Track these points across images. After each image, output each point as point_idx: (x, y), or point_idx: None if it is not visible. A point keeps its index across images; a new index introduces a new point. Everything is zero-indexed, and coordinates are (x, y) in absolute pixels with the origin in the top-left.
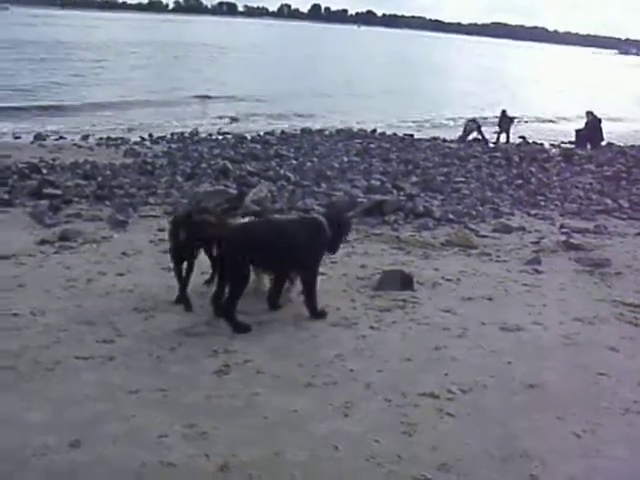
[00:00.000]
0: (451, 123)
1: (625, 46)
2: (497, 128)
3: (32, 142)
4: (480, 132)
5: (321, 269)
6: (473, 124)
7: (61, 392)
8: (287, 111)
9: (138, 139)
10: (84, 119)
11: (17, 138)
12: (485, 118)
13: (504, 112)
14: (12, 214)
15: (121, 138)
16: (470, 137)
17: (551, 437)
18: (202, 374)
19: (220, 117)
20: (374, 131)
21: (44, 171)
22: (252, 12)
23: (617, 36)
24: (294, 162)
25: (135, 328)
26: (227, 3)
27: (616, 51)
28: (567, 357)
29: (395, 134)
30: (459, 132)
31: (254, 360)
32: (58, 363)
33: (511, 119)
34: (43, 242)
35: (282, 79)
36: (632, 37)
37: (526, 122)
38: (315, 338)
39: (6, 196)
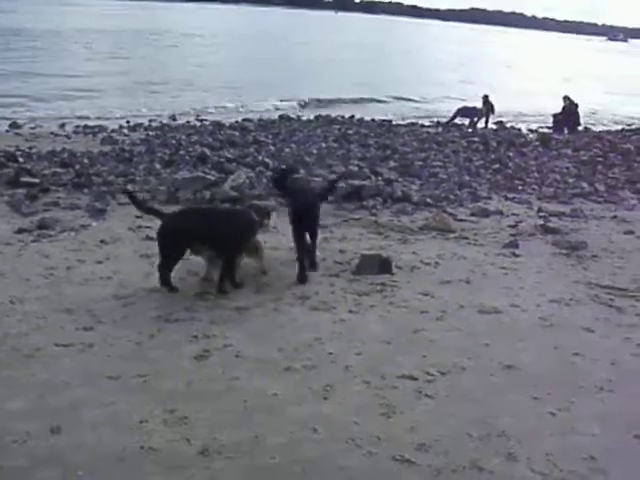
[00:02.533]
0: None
1: (613, 32)
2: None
3: (7, 130)
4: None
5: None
6: (472, 110)
7: (41, 379)
8: (264, 97)
9: (116, 127)
10: (60, 107)
11: None
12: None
13: (486, 97)
14: None
15: (98, 126)
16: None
17: (528, 416)
18: (182, 359)
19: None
20: (352, 117)
21: (21, 159)
22: None
23: (599, 22)
24: (272, 148)
25: (114, 315)
26: None
27: (605, 37)
28: (543, 338)
29: (373, 120)
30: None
31: (234, 345)
32: (38, 350)
33: (492, 105)
34: (21, 231)
35: (260, 66)
36: (609, 24)
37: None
38: (294, 322)
39: None
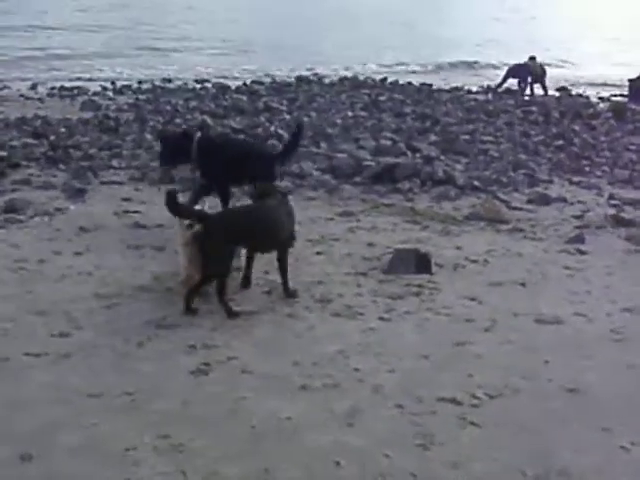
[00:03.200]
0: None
1: None
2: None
3: None
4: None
5: (320, 247)
6: (525, 69)
7: (9, 395)
8: (279, 58)
9: (98, 88)
10: (31, 68)
11: None
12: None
13: (533, 58)
14: None
15: (77, 87)
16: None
17: (594, 451)
18: (177, 374)
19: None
20: (384, 80)
21: None
22: None
23: None
24: (287, 117)
25: (96, 319)
26: None
27: None
28: (614, 355)
29: (410, 83)
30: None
31: (239, 357)
32: (5, 361)
33: (542, 67)
34: None
35: (268, 27)
36: None
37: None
38: (313, 330)
39: None
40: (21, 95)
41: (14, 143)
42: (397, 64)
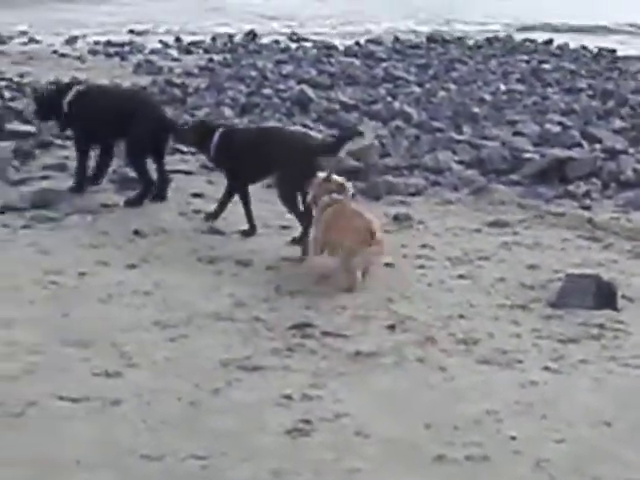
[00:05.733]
0: None
1: None
2: None
3: None
4: None
5: (463, 268)
6: None
7: (38, 453)
8: (402, 8)
9: (157, 45)
10: (66, 15)
11: None
12: None
13: None
14: None
15: (129, 43)
16: None
17: None
18: (266, 434)
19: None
20: (549, 42)
21: (6, 94)
22: None
23: None
24: (417, 90)
25: (155, 355)
26: None
27: None
28: None
29: (585, 47)
30: None
31: (351, 414)
32: (32, 406)
33: None
34: (5, 209)
35: None
36: None
37: None
38: (453, 382)
39: None
40: (54, 52)
41: None
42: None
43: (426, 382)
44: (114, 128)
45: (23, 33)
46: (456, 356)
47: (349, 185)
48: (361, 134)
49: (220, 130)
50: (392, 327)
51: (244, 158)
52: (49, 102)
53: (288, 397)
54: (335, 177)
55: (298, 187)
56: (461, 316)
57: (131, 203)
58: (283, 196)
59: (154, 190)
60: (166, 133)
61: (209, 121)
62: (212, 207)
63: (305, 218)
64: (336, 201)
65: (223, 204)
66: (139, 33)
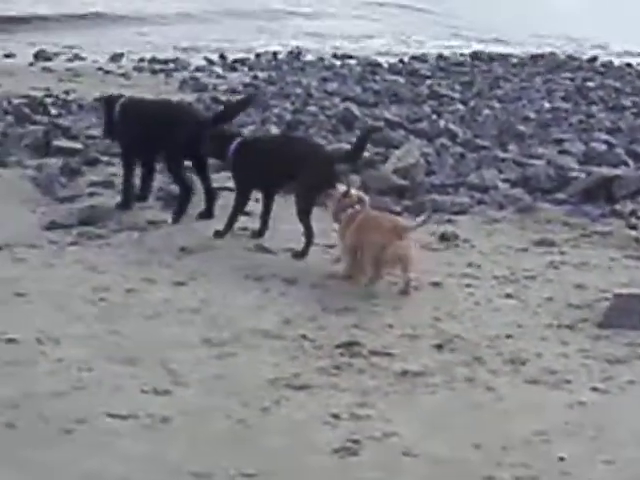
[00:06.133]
0: None
1: None
2: None
3: (32, 63)
4: None
5: (510, 288)
6: None
7: (87, 470)
8: (449, 27)
9: (202, 62)
10: (109, 35)
11: (9, 57)
12: None
13: None
14: (5, 179)
15: (174, 60)
16: None
17: None
18: (313, 453)
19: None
20: (593, 60)
21: (53, 111)
22: None
23: None
24: (461, 108)
25: (203, 372)
26: None
27: None
28: None
29: (629, 65)
30: None
31: (400, 433)
32: (81, 423)
33: None
34: (53, 226)
35: None
36: None
37: None
38: (501, 402)
39: None
40: (99, 68)
41: (91, 132)
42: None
43: (474, 402)
44: (156, 140)
45: (69, 48)
46: (504, 376)
47: (367, 198)
48: (378, 130)
49: (239, 139)
50: (440, 346)
51: (263, 166)
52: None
53: (336, 416)
54: (354, 191)
55: (316, 197)
56: (509, 336)
57: (177, 216)
58: (301, 206)
59: (191, 196)
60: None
61: (227, 130)
62: (258, 224)
63: (312, 234)
64: (358, 213)
65: (264, 220)
66: (184, 50)
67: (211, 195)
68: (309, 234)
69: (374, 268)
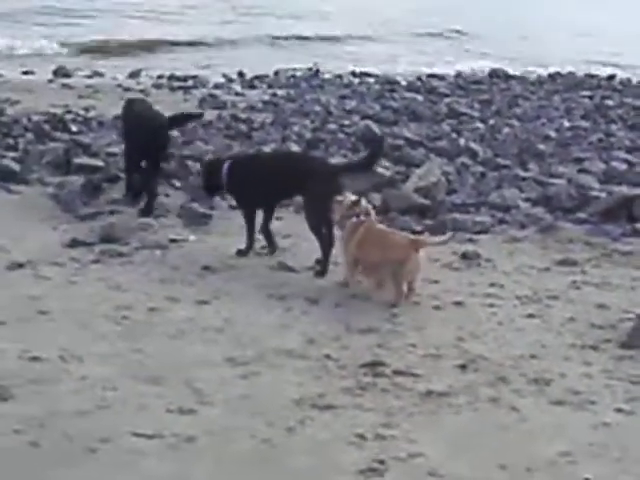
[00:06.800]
0: None
1: None
2: None
3: (51, 80)
4: None
5: (532, 307)
6: None
7: None
8: (464, 45)
9: (221, 80)
10: (129, 58)
11: (28, 73)
12: None
13: None
14: (26, 196)
15: (193, 77)
16: None
17: None
18: (339, 473)
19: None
20: (612, 78)
21: (73, 128)
22: None
23: None
24: (481, 126)
25: (228, 392)
26: None
27: None
28: None
29: None
30: None
31: (425, 454)
32: (105, 442)
33: None
34: (75, 244)
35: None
36: None
37: None
38: (525, 423)
39: (16, 167)
40: (118, 85)
41: (112, 149)
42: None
43: (499, 423)
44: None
45: (86, 66)
46: (528, 396)
47: (371, 209)
48: (381, 140)
49: (228, 161)
50: (463, 366)
51: (263, 183)
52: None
53: (361, 436)
54: (363, 201)
55: (325, 210)
56: (532, 356)
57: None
58: (311, 221)
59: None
60: None
61: (214, 158)
62: (281, 243)
63: (327, 243)
64: (364, 222)
65: (267, 235)
66: (203, 67)
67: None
68: (323, 243)
69: (397, 287)
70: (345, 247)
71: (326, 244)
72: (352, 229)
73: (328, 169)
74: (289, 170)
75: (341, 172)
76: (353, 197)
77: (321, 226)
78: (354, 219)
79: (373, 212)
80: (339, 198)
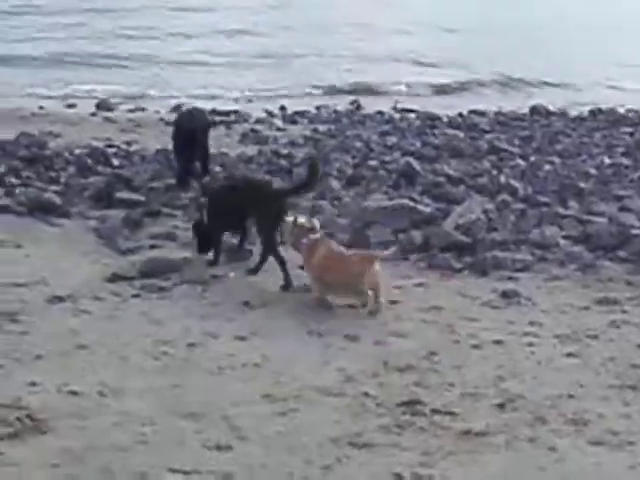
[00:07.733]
0: None
1: None
2: None
3: (94, 113)
4: None
5: (571, 346)
6: None
7: None
8: (504, 79)
9: (262, 114)
10: (168, 80)
11: (71, 107)
12: None
13: None
14: (67, 230)
15: (235, 112)
16: None
17: None
18: None
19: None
20: None
21: (115, 162)
22: None
23: None
24: (522, 163)
25: (266, 429)
26: None
27: None
28: None
29: None
30: None
31: None
32: (143, 477)
33: None
34: (116, 278)
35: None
36: None
37: None
38: (564, 463)
39: (57, 200)
40: (161, 119)
41: (154, 184)
42: None
43: (537, 463)
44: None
45: (128, 99)
46: (566, 437)
47: (316, 223)
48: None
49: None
50: (502, 405)
51: (223, 210)
52: None
53: (399, 475)
54: (301, 219)
55: (274, 231)
56: (571, 396)
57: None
58: (264, 243)
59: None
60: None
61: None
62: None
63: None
64: (317, 241)
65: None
66: (244, 101)
67: None
68: (281, 262)
69: (359, 292)
70: (307, 266)
71: (280, 261)
72: (309, 248)
73: (274, 193)
74: (239, 196)
75: (286, 195)
76: (301, 217)
77: (275, 245)
78: (304, 240)
79: (317, 224)
80: (287, 219)
